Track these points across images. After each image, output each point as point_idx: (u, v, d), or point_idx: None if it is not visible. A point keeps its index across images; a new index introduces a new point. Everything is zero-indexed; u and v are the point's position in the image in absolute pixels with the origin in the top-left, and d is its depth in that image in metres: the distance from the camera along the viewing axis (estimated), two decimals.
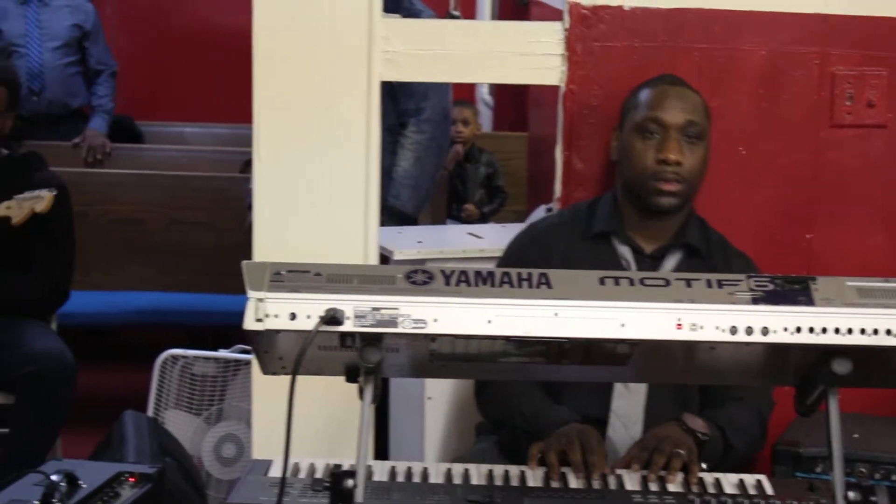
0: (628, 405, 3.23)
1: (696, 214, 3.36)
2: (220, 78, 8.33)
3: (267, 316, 2.19)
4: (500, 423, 3.27)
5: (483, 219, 7.13)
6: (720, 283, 2.26)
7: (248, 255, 3.42)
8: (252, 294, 2.20)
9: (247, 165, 6.38)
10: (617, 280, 2.27)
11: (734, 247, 3.38)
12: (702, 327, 2.21)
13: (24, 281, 4.64)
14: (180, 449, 4.03)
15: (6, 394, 4.54)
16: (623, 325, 2.21)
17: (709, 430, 3.04)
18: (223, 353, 4.51)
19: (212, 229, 6.17)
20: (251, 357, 3.97)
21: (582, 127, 3.60)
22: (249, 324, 2.20)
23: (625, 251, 3.28)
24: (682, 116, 3.24)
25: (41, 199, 4.45)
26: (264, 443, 3.55)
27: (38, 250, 4.63)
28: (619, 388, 3.23)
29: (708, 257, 3.30)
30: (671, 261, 3.28)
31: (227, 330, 5.97)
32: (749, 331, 2.21)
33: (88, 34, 7.11)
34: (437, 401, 3.98)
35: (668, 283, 2.26)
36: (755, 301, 2.23)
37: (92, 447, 4.15)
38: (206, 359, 4.51)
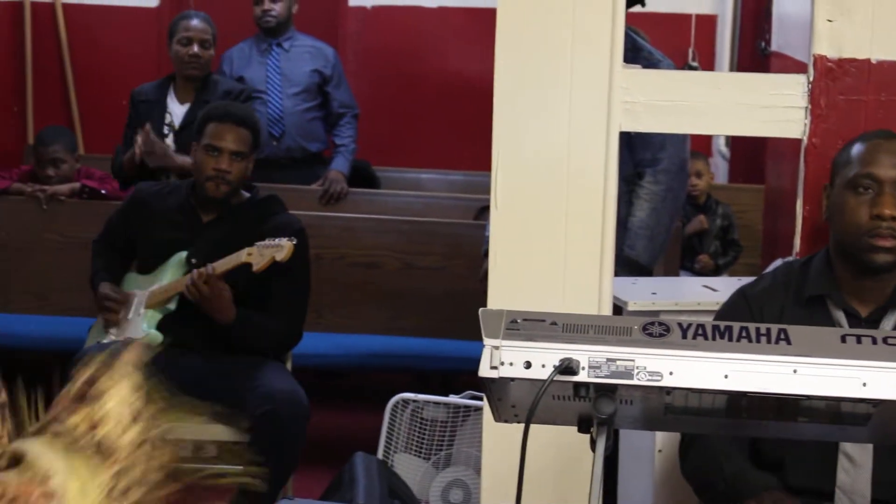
0: (854, 480, 3.13)
1: None
2: (457, 125, 8.41)
3: (502, 363, 2.20)
4: (702, 487, 3.22)
5: (717, 271, 7.05)
6: None
7: (481, 302, 3.43)
8: (488, 341, 2.21)
9: (481, 212, 6.42)
10: (859, 338, 2.21)
11: None
12: None
13: (266, 322, 4.74)
14: (408, 492, 4.07)
15: (243, 432, 4.63)
16: (864, 385, 2.15)
17: None
18: (453, 399, 4.54)
19: (445, 275, 6.21)
20: (482, 403, 3.98)
21: (824, 181, 3.53)
22: (484, 371, 2.21)
23: (839, 316, 3.17)
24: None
25: (282, 249, 4.54)
26: (493, 490, 3.55)
27: (275, 292, 4.72)
28: (843, 462, 3.14)
29: None
30: (888, 324, 3.16)
31: (458, 375, 6.01)
32: None
33: (329, 79, 7.23)
34: (667, 454, 3.93)
35: None
36: None
37: (323, 487, 4.22)
38: (437, 404, 4.55)
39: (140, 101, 6.11)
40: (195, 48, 6.02)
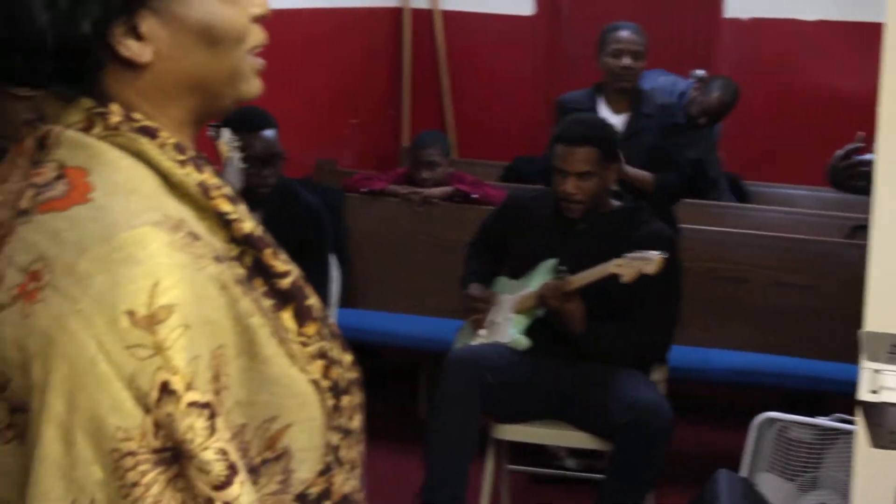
0: None
1: None
2: (832, 141, 8.18)
3: (882, 388, 2.14)
4: None
5: None
6: None
7: (853, 323, 3.33)
8: (868, 364, 2.15)
9: (855, 231, 6.25)
10: None
11: None
12: None
13: (628, 334, 4.73)
14: None
15: (605, 441, 4.65)
16: None
17: None
18: (822, 421, 4.43)
19: (816, 293, 6.08)
20: (853, 427, 3.87)
21: None
22: (863, 394, 2.15)
23: None
24: None
25: (651, 262, 4.52)
26: None
27: (641, 304, 4.70)
28: None
29: None
30: None
31: (825, 396, 5.87)
32: None
33: None
34: None
35: None
36: None
37: (683, 502, 4.19)
38: (803, 424, 4.44)
39: (569, 109, 6.11)
40: (627, 60, 5.99)
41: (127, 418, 1.28)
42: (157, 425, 1.28)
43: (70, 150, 1.41)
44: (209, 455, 1.30)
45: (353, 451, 1.56)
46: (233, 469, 1.31)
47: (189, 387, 1.29)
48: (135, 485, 1.27)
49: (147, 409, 1.28)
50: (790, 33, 8.43)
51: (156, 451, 1.28)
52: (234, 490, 1.31)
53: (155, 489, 1.28)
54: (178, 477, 1.29)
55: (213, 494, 1.30)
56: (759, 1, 8.45)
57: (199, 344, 1.32)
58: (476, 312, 4.95)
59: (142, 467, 1.27)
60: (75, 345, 1.29)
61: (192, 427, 1.29)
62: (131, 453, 1.27)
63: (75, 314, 1.29)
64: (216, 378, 1.34)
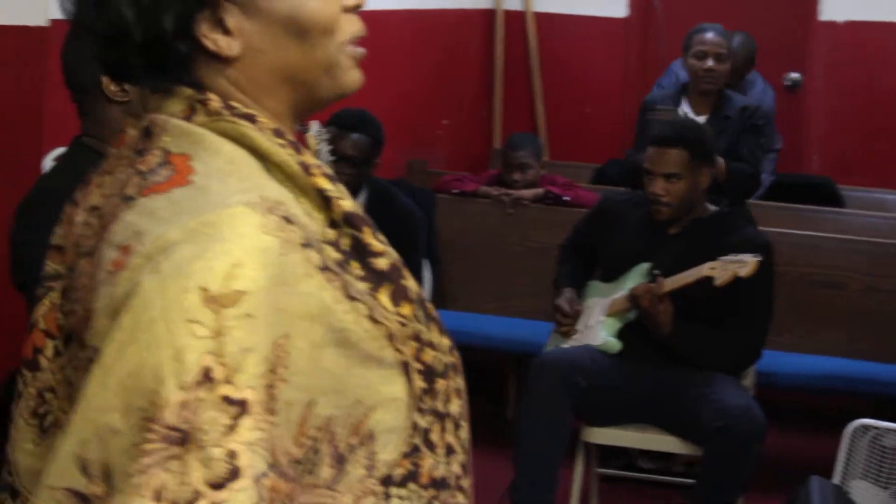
0: None
1: None
2: None
3: None
4: None
5: None
6: None
7: None
8: None
9: None
10: None
11: None
12: None
13: (719, 338, 4.70)
14: None
15: (695, 446, 4.62)
16: None
17: None
18: None
19: None
20: None
21: None
22: None
23: None
24: None
25: (745, 265, 4.49)
26: None
27: (734, 309, 4.67)
28: None
29: None
30: None
31: None
32: None
33: None
34: None
35: None
36: None
37: None
38: None
39: (650, 110, 6.09)
40: (710, 62, 5.92)
41: (159, 386, 1.28)
42: (183, 405, 1.28)
43: (175, 137, 1.44)
44: (217, 452, 1.29)
45: (451, 436, 1.54)
46: (233, 474, 1.29)
47: (228, 380, 1.29)
48: (136, 445, 1.28)
49: (181, 387, 1.28)
50: (886, 36, 8.34)
51: (168, 427, 1.28)
52: (222, 494, 1.29)
53: (148, 460, 1.28)
54: (173, 459, 1.28)
55: (204, 490, 1.28)
56: (855, 4, 8.35)
57: (260, 336, 1.31)
58: (562, 326, 4.94)
59: (149, 435, 1.28)
60: (143, 302, 1.30)
61: (214, 421, 1.29)
62: (148, 419, 1.28)
63: (153, 274, 1.31)
64: (273, 370, 1.33)
